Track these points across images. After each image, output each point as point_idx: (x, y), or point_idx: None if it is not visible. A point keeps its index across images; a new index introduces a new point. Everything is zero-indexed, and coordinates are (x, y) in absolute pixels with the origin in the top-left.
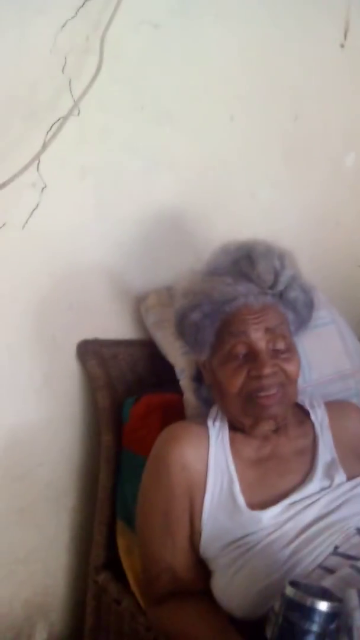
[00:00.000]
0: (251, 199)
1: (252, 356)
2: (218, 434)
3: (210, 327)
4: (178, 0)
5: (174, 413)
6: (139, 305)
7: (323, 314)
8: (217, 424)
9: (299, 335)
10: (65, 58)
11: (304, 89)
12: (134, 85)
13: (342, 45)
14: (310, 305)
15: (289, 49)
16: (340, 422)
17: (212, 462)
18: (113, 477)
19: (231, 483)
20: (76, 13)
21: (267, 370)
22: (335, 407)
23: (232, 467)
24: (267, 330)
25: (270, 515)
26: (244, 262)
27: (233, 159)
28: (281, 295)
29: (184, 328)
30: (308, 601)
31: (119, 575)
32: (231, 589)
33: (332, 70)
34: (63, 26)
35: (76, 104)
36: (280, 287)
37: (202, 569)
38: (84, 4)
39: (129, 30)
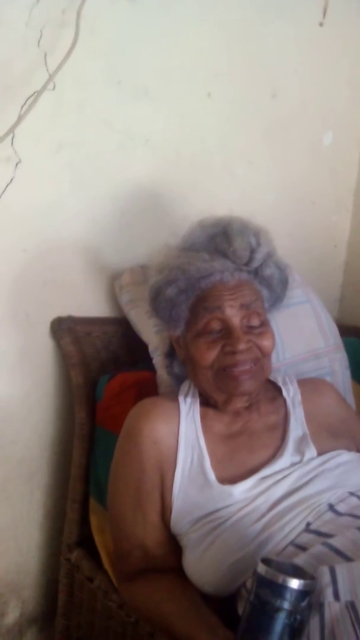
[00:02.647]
0: (228, 177)
1: (227, 332)
2: (189, 410)
3: (185, 303)
4: None
5: (148, 391)
6: (113, 283)
7: (298, 293)
8: (189, 399)
9: (273, 313)
10: (41, 31)
11: (282, 67)
12: (110, 60)
13: (320, 24)
14: (284, 283)
15: (267, 26)
16: (313, 398)
17: (182, 437)
18: (86, 454)
19: (201, 458)
20: None
21: (242, 346)
22: (308, 384)
23: (203, 442)
24: (242, 306)
25: (241, 490)
26: (220, 238)
27: (210, 136)
28: (256, 272)
29: (158, 303)
30: (280, 579)
31: (91, 553)
32: (202, 564)
33: (311, 49)
34: None
35: (51, 78)
36: (256, 263)
37: (173, 545)
38: None
39: (105, 4)
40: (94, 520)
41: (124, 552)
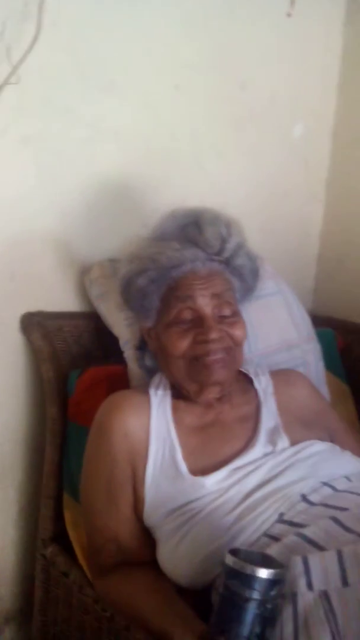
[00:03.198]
0: (198, 169)
1: (199, 321)
2: (160, 402)
3: (156, 293)
4: None
5: (119, 385)
6: (83, 277)
7: (270, 285)
8: (160, 392)
9: (244, 304)
10: (3, 24)
11: (250, 59)
12: (75, 53)
13: (288, 14)
14: (255, 273)
15: (235, 17)
16: (286, 389)
17: (153, 430)
18: (59, 450)
19: (173, 450)
20: None
21: (214, 335)
22: (280, 375)
23: (174, 434)
24: (214, 296)
25: (213, 481)
26: (191, 228)
27: (179, 129)
28: (228, 262)
29: (129, 294)
30: (248, 569)
31: (67, 548)
32: (176, 556)
33: (279, 40)
34: None
35: (14, 71)
36: (227, 253)
37: (147, 538)
38: None
39: None
40: (68, 516)
41: (97, 546)
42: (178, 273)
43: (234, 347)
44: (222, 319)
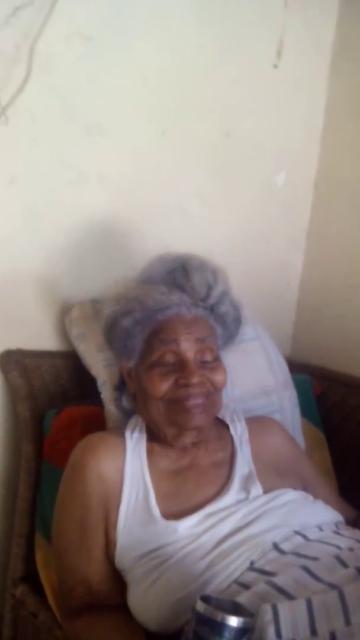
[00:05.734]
0: (182, 214)
1: (181, 365)
2: (135, 445)
3: (140, 334)
4: (111, 13)
5: (95, 426)
6: (63, 316)
7: (248, 330)
8: (135, 435)
9: (225, 351)
10: None
11: (236, 107)
12: (63, 96)
13: (275, 66)
14: (238, 321)
15: (222, 66)
16: (261, 437)
17: (128, 473)
18: (33, 489)
19: (146, 493)
20: (6, 21)
21: (195, 380)
22: (256, 422)
23: (148, 478)
24: (197, 340)
25: (185, 526)
26: (179, 273)
27: (164, 174)
28: (212, 309)
29: (114, 333)
30: (218, 616)
31: (37, 588)
32: (146, 601)
33: (265, 90)
34: None
35: (2, 112)
36: (212, 300)
37: (118, 581)
38: (14, 12)
39: (59, 41)
40: (39, 556)
41: (67, 588)
42: (164, 316)
43: (213, 393)
44: (203, 364)
